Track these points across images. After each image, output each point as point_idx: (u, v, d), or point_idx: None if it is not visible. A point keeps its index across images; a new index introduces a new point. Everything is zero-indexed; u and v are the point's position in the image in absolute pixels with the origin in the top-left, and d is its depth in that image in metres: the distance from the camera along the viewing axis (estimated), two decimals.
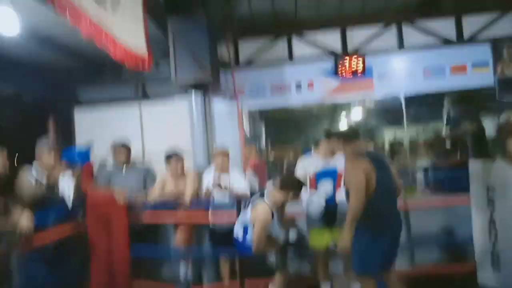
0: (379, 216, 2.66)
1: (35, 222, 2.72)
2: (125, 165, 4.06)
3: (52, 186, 3.14)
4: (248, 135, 5.12)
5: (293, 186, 3.07)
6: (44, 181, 3.05)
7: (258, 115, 6.40)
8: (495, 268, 3.11)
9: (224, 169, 3.85)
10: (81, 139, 4.81)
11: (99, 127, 4.80)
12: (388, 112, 5.97)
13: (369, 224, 2.64)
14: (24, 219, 2.61)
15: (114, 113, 4.86)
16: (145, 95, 4.95)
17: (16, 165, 3.13)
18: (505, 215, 3.01)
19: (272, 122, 7.22)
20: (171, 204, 3.76)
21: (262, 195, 3.08)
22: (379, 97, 4.99)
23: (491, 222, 3.11)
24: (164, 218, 3.98)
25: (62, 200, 3.27)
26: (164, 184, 3.89)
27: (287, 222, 3.32)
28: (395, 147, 6.13)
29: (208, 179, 3.88)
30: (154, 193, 3.82)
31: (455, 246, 3.89)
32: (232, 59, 4.73)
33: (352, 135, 2.96)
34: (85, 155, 4.28)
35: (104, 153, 4.36)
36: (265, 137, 7.14)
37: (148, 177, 4.03)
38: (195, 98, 4.45)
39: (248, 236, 3.09)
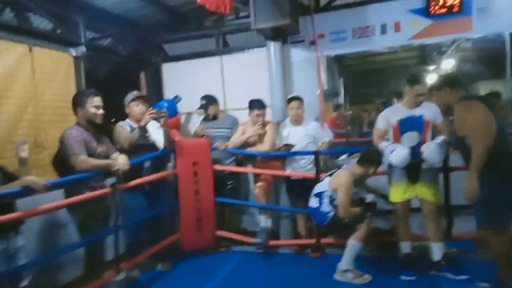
0: (505, 161, 2.47)
1: (132, 164, 3.06)
2: (215, 117, 4.31)
3: (144, 134, 3.46)
4: (327, 87, 4.97)
5: (373, 162, 3.18)
6: (137, 129, 3.36)
7: (337, 68, 6.08)
8: None
9: (299, 118, 3.87)
10: (168, 92, 5.16)
11: (184, 80, 5.08)
12: (489, 57, 5.26)
13: (497, 171, 2.45)
14: (122, 160, 2.95)
15: (198, 66, 5.07)
16: (226, 47, 5.04)
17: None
18: None
19: (351, 76, 6.84)
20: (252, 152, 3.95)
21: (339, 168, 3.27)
22: (478, 38, 4.41)
23: None
24: (245, 168, 4.20)
25: (154, 146, 3.60)
26: (244, 132, 4.04)
27: (368, 189, 3.38)
28: (493, 99, 5.43)
29: (284, 131, 3.95)
30: (235, 140, 4.00)
31: None
32: (312, 2, 4.53)
33: (457, 82, 2.75)
34: (173, 107, 4.64)
35: (190, 104, 4.65)
36: (343, 92, 6.83)
37: (234, 126, 4.23)
38: (273, 47, 4.41)
39: (323, 206, 3.21)
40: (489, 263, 2.68)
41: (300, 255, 3.85)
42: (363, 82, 7.26)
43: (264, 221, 3.91)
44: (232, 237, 4.05)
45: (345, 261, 3.15)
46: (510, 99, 4.89)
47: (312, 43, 4.57)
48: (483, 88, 5.79)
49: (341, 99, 6.61)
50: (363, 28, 4.44)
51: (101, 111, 2.91)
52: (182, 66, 5.17)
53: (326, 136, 3.96)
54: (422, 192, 3.09)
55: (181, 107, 4.83)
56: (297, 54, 4.67)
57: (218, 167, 4.01)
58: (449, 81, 2.77)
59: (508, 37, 4.23)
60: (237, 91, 4.84)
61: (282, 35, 4.41)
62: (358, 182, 3.24)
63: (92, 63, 4.36)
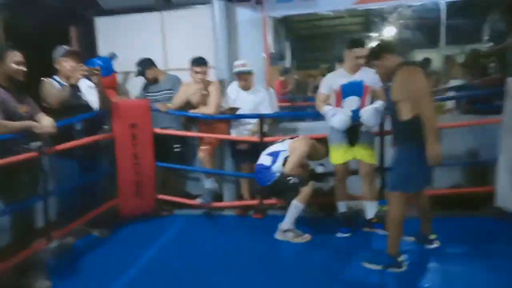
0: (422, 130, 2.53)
1: (60, 126, 2.81)
2: (153, 79, 4.11)
3: (76, 92, 3.19)
4: (273, 51, 4.89)
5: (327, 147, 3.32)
6: (67, 87, 3.09)
7: (284, 32, 6.00)
8: None
9: (248, 84, 3.80)
10: (103, 49, 4.76)
11: (121, 36, 4.70)
12: (426, 26, 5.46)
13: (419, 138, 2.51)
14: (46, 121, 2.69)
15: (136, 22, 4.70)
16: (167, 2, 4.69)
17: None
18: None
19: (298, 40, 6.80)
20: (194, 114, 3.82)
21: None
22: (418, 6, 4.54)
23: None
24: (187, 132, 4.08)
25: (88, 106, 3.35)
26: (187, 93, 3.90)
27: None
28: (426, 64, 5.78)
29: (232, 95, 3.86)
30: (177, 101, 3.85)
31: (480, 168, 3.84)
32: None
33: (395, 47, 2.84)
34: (108, 65, 4.32)
35: (127, 62, 4.36)
36: (290, 57, 6.79)
37: (176, 87, 4.05)
38: (218, 4, 4.19)
39: (275, 166, 3.26)
40: (416, 219, 2.90)
41: (243, 217, 3.90)
42: (310, 47, 7.25)
43: (209, 183, 3.91)
44: (175, 200, 3.98)
45: (287, 221, 3.23)
46: (442, 68, 5.19)
47: (258, 2, 4.42)
48: (419, 56, 6.07)
49: (287, 63, 6.59)
50: None
51: (22, 68, 2.60)
52: (118, 21, 4.75)
53: (273, 105, 3.95)
54: (360, 154, 3.21)
55: (118, 66, 4.51)
56: (243, 13, 4.48)
57: (159, 130, 3.85)
58: (388, 47, 2.77)
59: (443, 6, 4.39)
60: (179, 50, 4.58)
61: None
62: (311, 155, 3.35)
63: (13, 14, 3.86)
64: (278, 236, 3.27)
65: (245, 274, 2.74)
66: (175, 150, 4.05)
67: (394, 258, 2.62)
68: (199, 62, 3.80)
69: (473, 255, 2.87)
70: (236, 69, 3.80)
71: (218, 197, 4.16)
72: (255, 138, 3.66)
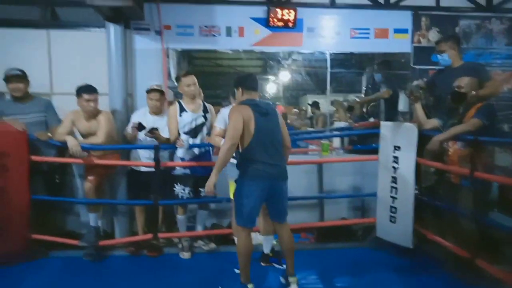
0: (258, 164, 2.63)
1: None
2: (22, 97, 3.62)
3: None
4: (175, 83, 4.85)
5: None
6: None
7: (187, 66, 6.06)
8: (392, 222, 3.41)
9: (158, 110, 3.73)
10: None
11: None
12: (315, 73, 6.04)
13: (247, 172, 2.64)
14: None
15: (16, 37, 4.19)
16: (55, 21, 4.30)
17: None
18: (406, 173, 3.29)
19: (201, 75, 6.92)
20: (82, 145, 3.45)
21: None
22: (307, 54, 5.01)
23: (393, 179, 3.39)
24: (74, 159, 3.67)
25: None
26: (74, 122, 3.57)
27: None
28: (314, 108, 6.38)
29: (137, 119, 3.67)
30: (62, 131, 3.47)
31: (362, 202, 4.24)
32: None
33: (249, 84, 2.85)
34: None
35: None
36: None
37: (48, 111, 3.66)
38: (114, 29, 4.00)
39: None
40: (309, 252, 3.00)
41: (136, 257, 3.54)
42: (213, 84, 7.41)
43: (93, 220, 3.53)
44: (52, 240, 3.45)
45: None
46: (329, 112, 5.75)
47: (158, 33, 4.37)
48: (310, 100, 6.65)
49: None
50: (209, 27, 4.50)
51: None
52: None
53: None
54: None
55: None
56: (142, 42, 4.38)
57: (37, 158, 3.38)
58: (243, 83, 2.83)
59: (328, 57, 4.92)
60: (68, 73, 4.20)
61: (123, 18, 4.06)
62: None
63: None
64: None
65: None
66: (56, 181, 3.64)
67: (244, 285, 2.74)
68: (89, 89, 3.52)
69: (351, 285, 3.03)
70: (148, 87, 3.72)
71: (108, 236, 3.78)
72: (151, 164, 3.45)
